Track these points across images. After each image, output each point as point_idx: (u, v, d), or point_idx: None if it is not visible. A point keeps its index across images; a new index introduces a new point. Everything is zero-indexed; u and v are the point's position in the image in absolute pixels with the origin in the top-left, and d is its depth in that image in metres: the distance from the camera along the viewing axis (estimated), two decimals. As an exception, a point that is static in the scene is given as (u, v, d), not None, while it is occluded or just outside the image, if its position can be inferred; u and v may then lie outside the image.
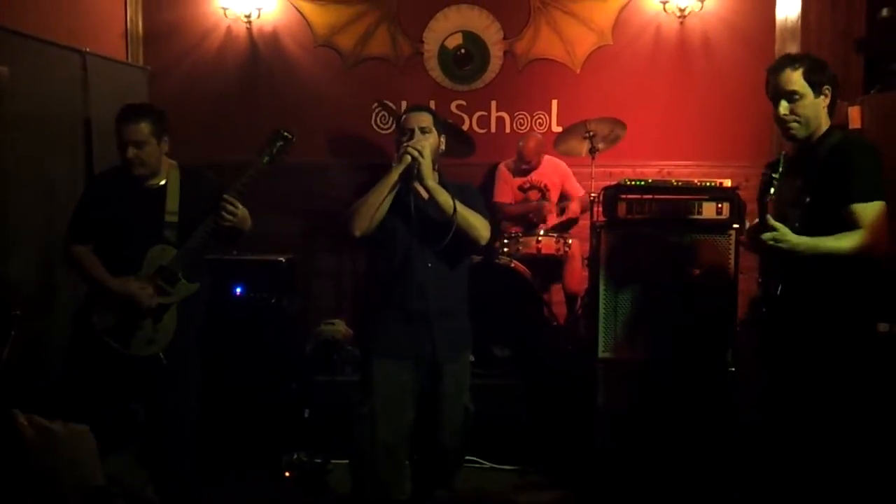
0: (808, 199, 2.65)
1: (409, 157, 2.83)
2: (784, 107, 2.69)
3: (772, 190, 2.60)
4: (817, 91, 2.67)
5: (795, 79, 2.66)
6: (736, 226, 3.80)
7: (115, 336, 3.09)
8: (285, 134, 3.16)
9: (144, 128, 3.08)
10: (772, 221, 2.57)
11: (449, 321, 2.97)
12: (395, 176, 2.86)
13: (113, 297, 3.08)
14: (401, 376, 2.92)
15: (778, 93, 2.70)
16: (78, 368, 3.24)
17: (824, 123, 2.71)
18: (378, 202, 2.84)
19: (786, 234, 2.56)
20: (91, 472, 0.96)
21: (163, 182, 3.19)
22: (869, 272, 2.62)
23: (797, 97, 2.66)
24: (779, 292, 2.67)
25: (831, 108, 2.72)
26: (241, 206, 3.10)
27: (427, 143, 2.90)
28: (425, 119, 2.97)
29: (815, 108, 2.68)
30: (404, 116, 3.02)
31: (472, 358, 3.25)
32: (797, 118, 2.69)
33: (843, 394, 2.61)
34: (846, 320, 2.63)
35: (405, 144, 2.88)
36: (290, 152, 3.21)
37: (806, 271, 2.60)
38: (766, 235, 2.57)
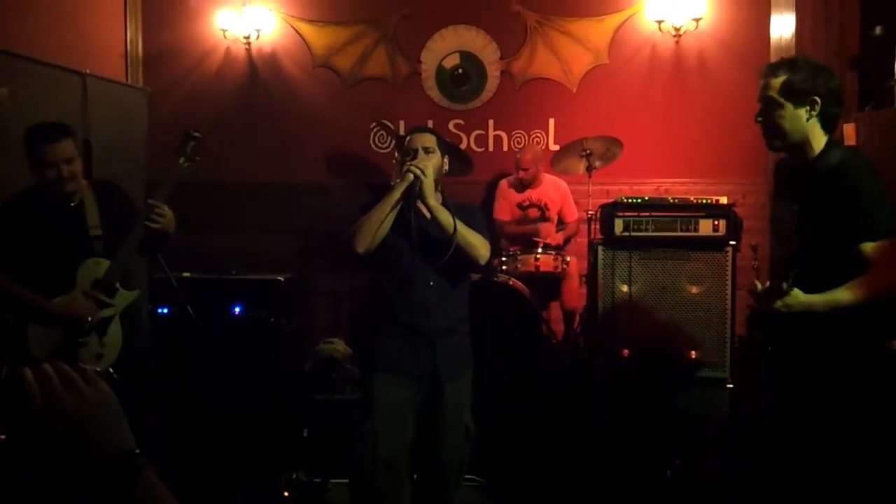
0: (808, 229, 2.53)
1: (411, 176, 2.85)
2: (757, 117, 2.55)
3: (784, 285, 2.42)
4: (799, 102, 2.47)
5: (773, 86, 2.49)
6: (732, 242, 3.81)
7: (58, 358, 3.04)
8: (194, 133, 3.20)
9: (70, 144, 3.07)
10: (787, 288, 2.42)
11: (451, 339, 2.99)
12: (397, 194, 2.88)
13: (52, 319, 3.00)
14: (402, 393, 2.92)
15: (759, 98, 2.56)
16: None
17: (815, 138, 2.51)
18: (381, 219, 2.87)
19: (797, 297, 2.41)
20: (121, 434, 0.92)
21: (78, 198, 3.15)
22: None
23: (774, 106, 2.50)
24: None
25: (827, 123, 2.51)
26: (167, 210, 3.10)
27: (430, 163, 2.93)
28: (429, 140, 3.02)
29: (794, 121, 2.48)
30: (408, 137, 3.06)
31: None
32: (774, 128, 2.52)
33: (853, 412, 2.52)
34: (855, 338, 2.52)
35: (408, 163, 2.91)
36: (202, 151, 3.23)
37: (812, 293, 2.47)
38: (777, 304, 2.43)
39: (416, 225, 2.91)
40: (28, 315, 3.05)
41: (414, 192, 2.87)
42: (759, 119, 2.56)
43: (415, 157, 2.95)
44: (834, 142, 2.57)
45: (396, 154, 5.10)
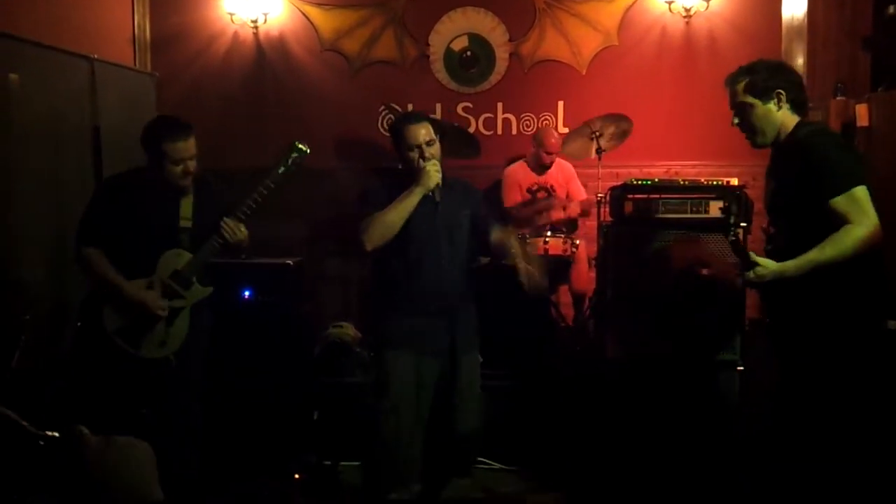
0: (782, 202, 2.67)
1: (431, 183, 2.92)
2: (734, 120, 2.74)
3: (731, 232, 2.72)
4: (766, 98, 2.66)
5: (739, 91, 2.69)
6: (744, 224, 3.79)
7: (126, 337, 3.12)
8: (301, 147, 3.20)
9: (195, 142, 3.15)
10: (754, 257, 2.59)
11: (465, 314, 3.09)
12: (416, 199, 2.93)
13: (125, 300, 3.10)
14: (420, 369, 3.00)
15: (730, 106, 2.75)
16: (86, 371, 3.26)
17: (787, 124, 2.68)
18: (397, 223, 2.93)
19: (767, 265, 2.57)
20: (149, 487, 0.99)
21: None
22: (871, 268, 2.58)
23: (746, 108, 2.69)
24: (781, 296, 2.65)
25: (797, 108, 2.69)
26: (242, 230, 3.18)
27: (439, 158, 2.98)
28: (427, 130, 3.00)
29: (767, 116, 2.68)
30: (406, 130, 3.01)
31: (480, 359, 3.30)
32: (751, 128, 2.71)
33: (853, 392, 2.58)
34: (852, 318, 2.59)
35: (424, 167, 2.93)
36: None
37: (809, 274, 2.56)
38: (748, 275, 2.60)
39: (441, 213, 2.98)
40: (105, 289, 3.15)
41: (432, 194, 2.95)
42: (736, 123, 2.75)
43: (422, 155, 2.96)
44: (805, 122, 2.72)
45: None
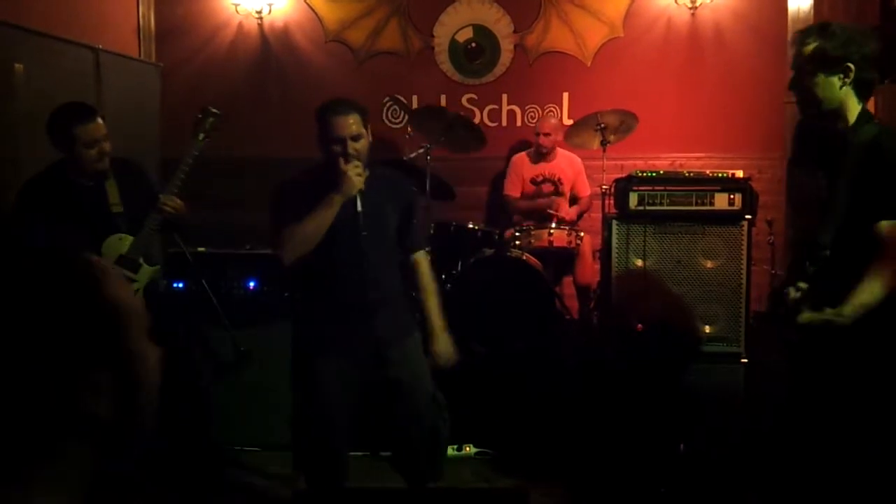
0: (842, 205, 2.40)
1: (352, 190, 2.65)
2: (791, 81, 2.46)
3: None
4: (830, 70, 2.37)
5: (805, 53, 2.40)
6: (748, 217, 3.79)
7: None
8: (212, 110, 3.28)
9: (102, 123, 3.12)
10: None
11: (388, 310, 2.79)
12: (336, 209, 2.66)
13: None
14: (346, 373, 2.74)
15: (792, 66, 2.46)
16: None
17: (850, 107, 2.41)
18: (315, 238, 2.66)
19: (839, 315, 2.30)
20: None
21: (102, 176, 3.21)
22: None
23: (806, 73, 2.40)
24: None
25: (862, 89, 2.40)
26: (177, 201, 3.19)
27: (364, 157, 2.71)
28: (355, 123, 2.68)
29: (827, 88, 2.39)
30: (331, 119, 2.69)
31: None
32: (805, 95, 2.44)
33: (881, 393, 2.43)
34: (881, 318, 2.37)
35: (346, 171, 2.63)
36: (217, 127, 3.32)
37: (841, 272, 2.37)
38: (803, 318, 2.32)
39: (363, 218, 2.68)
40: None
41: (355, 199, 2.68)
42: (792, 87, 2.48)
43: (344, 150, 2.65)
44: (867, 112, 2.48)
45: (409, 129, 5.09)
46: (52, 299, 0.79)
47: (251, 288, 4.25)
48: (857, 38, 2.40)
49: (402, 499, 2.94)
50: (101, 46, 4.54)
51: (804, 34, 2.45)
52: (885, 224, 2.29)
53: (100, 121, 3.10)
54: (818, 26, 2.47)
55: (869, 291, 2.29)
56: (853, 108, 2.43)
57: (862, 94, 2.43)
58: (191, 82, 5.61)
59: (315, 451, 2.81)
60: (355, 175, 2.64)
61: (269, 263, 4.31)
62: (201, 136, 3.26)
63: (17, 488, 0.77)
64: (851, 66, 2.37)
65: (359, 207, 2.68)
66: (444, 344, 2.86)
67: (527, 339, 4.47)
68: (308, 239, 2.65)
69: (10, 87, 3.79)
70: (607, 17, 5.57)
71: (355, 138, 2.66)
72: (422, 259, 2.95)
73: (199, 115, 3.31)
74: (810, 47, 2.40)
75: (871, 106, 4.26)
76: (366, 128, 2.73)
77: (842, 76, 2.38)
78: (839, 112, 2.44)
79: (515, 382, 4.20)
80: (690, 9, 5.46)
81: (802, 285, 2.36)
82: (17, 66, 3.82)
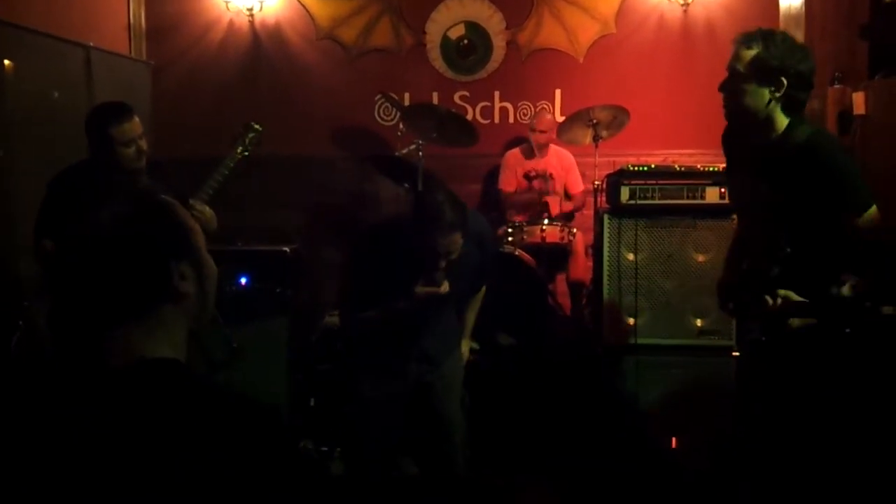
0: (785, 209, 2.42)
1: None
2: (722, 83, 2.44)
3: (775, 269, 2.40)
4: (762, 80, 2.35)
5: (743, 58, 2.37)
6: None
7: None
8: (255, 126, 3.28)
9: (139, 122, 3.12)
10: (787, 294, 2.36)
11: (438, 333, 2.86)
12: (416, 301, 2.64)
13: None
14: (395, 393, 2.83)
15: (727, 67, 2.43)
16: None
17: (777, 119, 2.41)
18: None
19: (790, 297, 2.35)
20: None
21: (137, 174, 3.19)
22: (868, 254, 2.54)
23: (738, 79, 2.38)
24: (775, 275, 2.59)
25: (791, 105, 2.39)
26: (207, 209, 3.16)
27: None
28: (457, 240, 2.53)
29: (756, 98, 2.38)
30: (437, 238, 2.51)
31: (476, 346, 3.25)
32: (732, 99, 2.42)
33: (846, 382, 2.51)
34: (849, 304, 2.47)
35: (436, 290, 2.60)
36: (262, 143, 3.33)
37: (805, 261, 2.44)
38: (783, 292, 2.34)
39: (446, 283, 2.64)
40: None
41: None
42: (722, 89, 2.46)
43: (436, 266, 2.56)
44: (799, 118, 2.45)
45: (401, 126, 5.09)
46: (155, 219, 1.28)
47: (243, 284, 4.25)
48: (797, 54, 2.38)
49: (396, 487, 2.97)
50: (91, 44, 4.53)
51: (748, 38, 2.40)
52: (863, 217, 2.35)
53: (136, 119, 3.09)
54: (762, 33, 2.41)
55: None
56: (780, 121, 2.42)
57: (789, 110, 2.41)
58: (181, 80, 5.60)
59: (367, 463, 2.92)
60: (444, 288, 2.60)
61: (261, 260, 4.32)
62: (240, 149, 3.25)
63: (132, 329, 1.21)
64: (784, 80, 2.35)
65: (444, 289, 2.62)
66: (464, 347, 3.05)
67: (519, 334, 4.48)
68: (377, 322, 2.68)
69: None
70: (599, 13, 5.58)
71: (451, 250, 2.54)
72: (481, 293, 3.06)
73: (241, 129, 3.30)
74: (751, 53, 2.37)
75: (860, 101, 4.30)
76: (464, 236, 2.57)
77: (773, 90, 2.37)
78: (765, 123, 2.43)
79: (507, 378, 4.21)
80: (682, 5, 5.47)
81: (784, 293, 2.35)
82: (6, 63, 3.81)
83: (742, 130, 2.56)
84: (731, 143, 2.70)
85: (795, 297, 2.36)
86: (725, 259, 2.80)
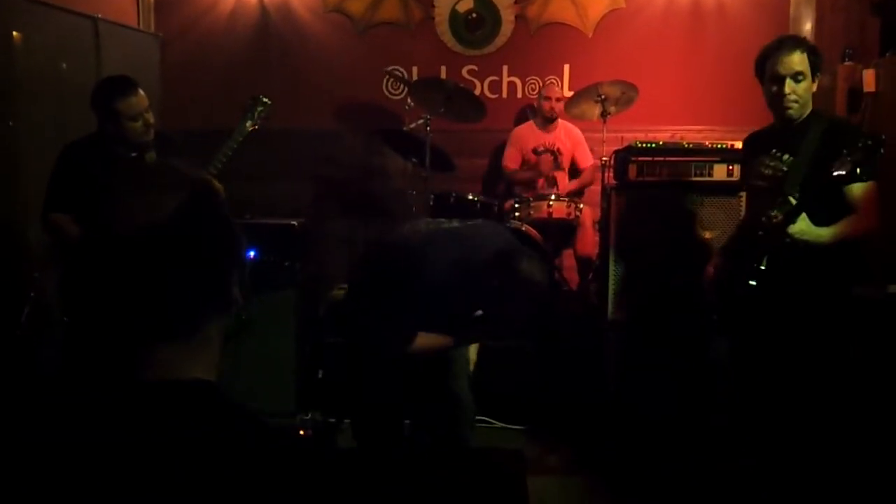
0: (807, 168, 2.68)
1: None
2: (789, 86, 2.74)
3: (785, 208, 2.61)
4: (814, 75, 2.77)
5: (800, 60, 2.73)
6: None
7: None
8: (264, 100, 3.29)
9: (144, 95, 3.14)
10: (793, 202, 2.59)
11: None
12: None
13: None
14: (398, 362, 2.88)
15: (779, 73, 2.75)
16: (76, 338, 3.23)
17: (810, 106, 2.80)
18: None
19: (809, 227, 2.59)
20: None
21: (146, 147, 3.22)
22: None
23: (801, 78, 2.74)
24: (764, 265, 2.68)
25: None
26: (216, 184, 3.15)
27: None
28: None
29: (809, 91, 2.78)
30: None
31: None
32: (798, 99, 2.75)
33: (825, 356, 2.69)
34: (827, 285, 2.69)
35: None
36: (270, 117, 3.36)
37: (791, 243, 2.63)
38: (794, 229, 2.58)
39: None
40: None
41: None
42: (788, 93, 2.75)
43: None
44: (815, 109, 2.84)
45: (409, 101, 5.08)
46: (214, 214, 1.05)
47: (251, 257, 4.27)
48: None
49: (405, 461, 3.02)
50: (99, 16, 4.53)
51: (796, 43, 2.79)
52: (855, 187, 2.61)
53: (141, 93, 3.12)
54: (802, 39, 2.89)
55: (846, 227, 2.61)
56: (810, 107, 2.82)
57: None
58: (190, 52, 5.59)
59: (378, 430, 3.01)
60: None
61: (269, 233, 4.34)
62: (248, 123, 3.27)
63: (176, 347, 1.01)
64: (819, 74, 2.80)
65: None
66: None
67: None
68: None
69: (8, 56, 3.79)
70: (609, -13, 5.53)
71: None
72: None
73: (250, 102, 3.33)
74: (805, 54, 2.74)
75: (871, 79, 4.28)
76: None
77: (815, 83, 2.81)
78: (804, 113, 2.80)
79: (514, 352, 4.24)
80: (692, -20, 5.42)
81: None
82: (15, 34, 3.82)
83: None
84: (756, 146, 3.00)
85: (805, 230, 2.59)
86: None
